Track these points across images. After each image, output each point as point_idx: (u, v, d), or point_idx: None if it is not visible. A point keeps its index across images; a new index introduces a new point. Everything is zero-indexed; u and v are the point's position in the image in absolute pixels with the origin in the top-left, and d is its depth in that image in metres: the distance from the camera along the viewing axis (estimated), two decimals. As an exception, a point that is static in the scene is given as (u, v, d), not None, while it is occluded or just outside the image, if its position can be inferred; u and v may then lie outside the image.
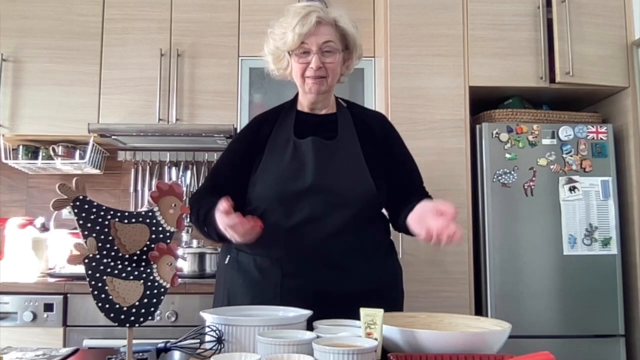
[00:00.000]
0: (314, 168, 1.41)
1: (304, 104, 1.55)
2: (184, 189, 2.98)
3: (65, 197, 0.90)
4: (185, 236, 2.82)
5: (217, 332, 1.02)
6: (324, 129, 1.49)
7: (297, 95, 1.58)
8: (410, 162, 1.57)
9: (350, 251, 1.39)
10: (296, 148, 1.44)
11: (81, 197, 0.91)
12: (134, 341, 0.95)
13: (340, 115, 1.54)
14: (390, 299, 1.46)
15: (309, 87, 1.48)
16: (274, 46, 1.50)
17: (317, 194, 1.39)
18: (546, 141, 2.35)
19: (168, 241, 0.96)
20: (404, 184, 1.51)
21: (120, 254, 0.93)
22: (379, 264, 1.45)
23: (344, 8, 1.51)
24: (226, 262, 1.50)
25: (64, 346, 2.21)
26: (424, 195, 1.55)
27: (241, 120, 2.69)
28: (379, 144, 1.51)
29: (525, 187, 2.33)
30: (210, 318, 1.05)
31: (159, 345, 1.09)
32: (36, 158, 2.85)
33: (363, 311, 1.00)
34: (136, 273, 0.92)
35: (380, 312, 0.99)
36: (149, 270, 0.93)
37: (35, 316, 2.28)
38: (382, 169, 1.47)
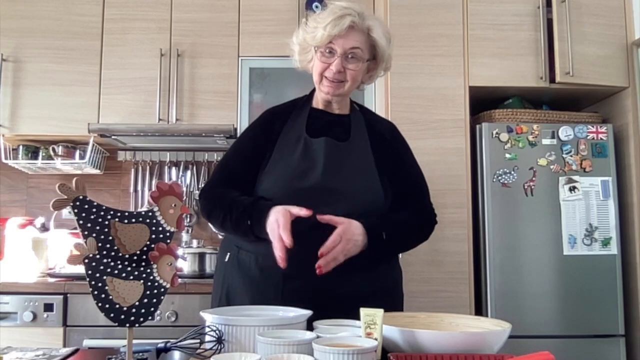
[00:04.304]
0: (323, 168, 1.39)
1: (318, 100, 1.53)
2: (184, 189, 2.98)
3: (65, 197, 0.90)
4: (185, 236, 2.82)
5: (217, 332, 1.02)
6: (336, 129, 1.48)
7: (313, 91, 1.55)
8: (415, 174, 1.55)
9: (353, 255, 1.36)
10: (307, 147, 1.43)
11: (81, 197, 0.91)
12: (134, 341, 0.95)
13: (354, 118, 1.52)
14: (391, 301, 1.43)
15: (324, 88, 1.46)
16: (302, 37, 1.48)
17: (323, 195, 1.37)
18: (546, 141, 2.35)
19: (168, 241, 0.96)
20: (405, 194, 1.48)
21: (120, 254, 0.93)
22: (380, 268, 1.44)
23: (380, 19, 1.48)
24: (226, 259, 1.48)
25: (64, 346, 2.21)
26: (425, 207, 1.52)
27: (241, 120, 2.69)
28: (388, 151, 1.50)
29: (525, 187, 2.33)
30: (210, 318, 1.05)
31: (159, 345, 1.09)
32: (36, 158, 2.85)
33: (363, 311, 1.00)
34: (136, 273, 0.92)
35: (380, 312, 0.99)
36: (149, 270, 0.93)
37: (35, 316, 2.28)
38: (389, 176, 1.46)
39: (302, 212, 1.28)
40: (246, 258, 1.43)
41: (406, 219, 1.45)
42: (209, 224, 1.53)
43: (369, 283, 1.39)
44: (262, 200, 1.39)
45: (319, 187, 1.38)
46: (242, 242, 1.46)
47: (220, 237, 2.53)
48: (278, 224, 1.27)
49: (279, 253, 1.26)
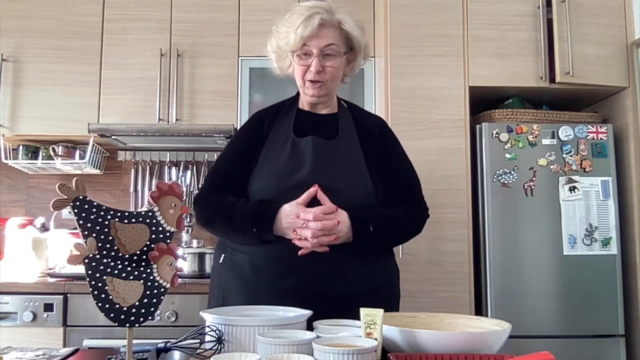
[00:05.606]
0: (311, 166, 1.39)
1: (304, 103, 1.53)
2: (184, 189, 2.98)
3: (65, 197, 0.90)
4: (185, 236, 2.82)
5: (217, 332, 1.02)
6: (324, 128, 1.48)
7: (299, 92, 1.55)
8: (405, 170, 1.54)
9: (345, 252, 1.36)
10: (295, 146, 1.43)
11: (81, 197, 0.91)
12: (134, 341, 0.95)
13: (342, 116, 1.52)
14: (387, 301, 1.38)
15: (309, 91, 1.47)
16: (276, 44, 1.49)
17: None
18: (546, 141, 2.35)
19: (168, 241, 0.96)
20: (395, 189, 1.48)
21: (120, 254, 0.93)
22: (374, 266, 1.42)
23: (348, 9, 1.48)
24: (220, 261, 1.48)
25: (64, 346, 2.21)
26: (415, 201, 1.52)
27: (241, 121, 2.68)
28: (377, 147, 1.49)
29: (525, 187, 2.33)
30: (210, 318, 1.05)
31: (159, 345, 1.09)
32: (36, 158, 2.85)
33: (363, 311, 1.00)
34: (136, 273, 0.92)
35: (380, 312, 0.99)
36: (149, 270, 0.93)
37: (35, 316, 2.28)
38: (379, 172, 1.46)
39: (304, 196, 1.33)
40: (239, 259, 1.42)
41: (397, 214, 1.44)
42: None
43: (363, 282, 1.38)
44: (263, 203, 1.38)
45: (307, 185, 1.36)
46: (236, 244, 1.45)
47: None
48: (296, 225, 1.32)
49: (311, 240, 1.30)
